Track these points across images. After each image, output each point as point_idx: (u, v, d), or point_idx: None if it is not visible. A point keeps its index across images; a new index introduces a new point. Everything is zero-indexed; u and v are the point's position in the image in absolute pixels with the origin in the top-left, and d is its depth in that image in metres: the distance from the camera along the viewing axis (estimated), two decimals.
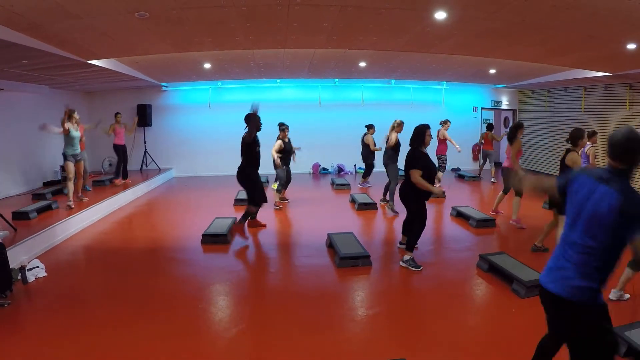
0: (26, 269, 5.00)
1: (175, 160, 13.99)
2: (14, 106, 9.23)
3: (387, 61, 9.66)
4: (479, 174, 13.05)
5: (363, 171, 12.18)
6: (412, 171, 5.30)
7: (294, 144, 9.00)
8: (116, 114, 10.89)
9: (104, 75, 9.38)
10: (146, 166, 13.38)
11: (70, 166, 7.91)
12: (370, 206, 8.74)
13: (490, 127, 12.36)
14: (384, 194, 9.15)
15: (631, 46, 6.56)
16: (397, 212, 8.19)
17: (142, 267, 5.63)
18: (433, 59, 9.10)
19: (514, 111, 15.31)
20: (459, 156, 12.47)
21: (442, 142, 10.73)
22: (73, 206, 7.75)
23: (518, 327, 3.89)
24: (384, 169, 8.93)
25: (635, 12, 4.90)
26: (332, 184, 11.71)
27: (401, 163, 6.34)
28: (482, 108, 15.16)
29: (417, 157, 5.41)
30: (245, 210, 6.75)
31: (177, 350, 3.53)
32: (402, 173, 6.09)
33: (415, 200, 5.47)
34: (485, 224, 7.27)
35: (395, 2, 5.05)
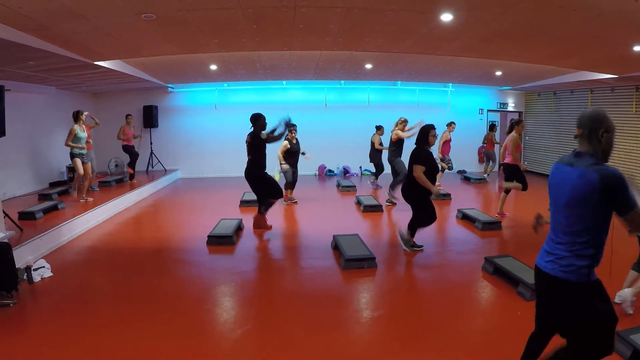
0: (32, 268, 5.02)
1: (181, 162, 14.03)
2: (21, 107, 9.28)
3: (393, 63, 9.65)
4: (487, 175, 12.99)
5: (369, 173, 12.18)
6: (416, 166, 5.56)
7: (301, 147, 9.03)
8: (127, 116, 10.95)
9: (111, 76, 9.43)
10: (152, 167, 13.43)
11: (79, 162, 8.09)
12: (375, 208, 8.72)
13: (492, 127, 12.36)
14: (390, 194, 9.25)
15: (637, 48, 6.52)
16: (395, 202, 8.74)
17: (147, 268, 5.64)
18: (439, 60, 9.08)
19: (520, 113, 15.24)
20: (465, 158, 12.45)
21: (446, 143, 10.79)
22: (90, 199, 8.14)
23: (523, 330, 3.86)
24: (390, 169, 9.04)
25: None
26: (338, 185, 11.71)
27: (406, 161, 6.41)
28: (488, 110, 15.11)
29: (421, 154, 5.69)
30: (266, 202, 7.04)
31: (182, 351, 3.53)
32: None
33: (419, 197, 5.75)
34: (490, 227, 7.24)
35: (402, 4, 5.04)
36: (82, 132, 8.19)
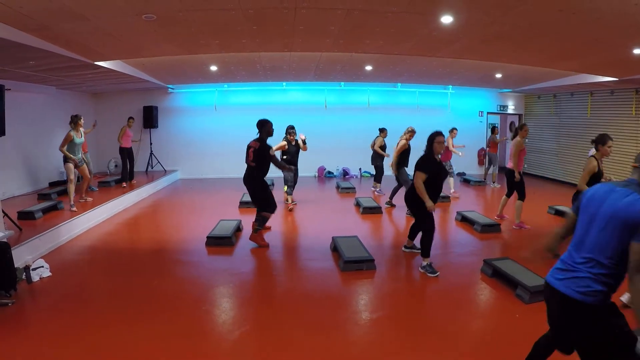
0: (31, 268, 5.02)
1: (180, 162, 14.03)
2: (21, 106, 9.29)
3: (393, 65, 9.65)
4: (484, 178, 12.96)
5: (369, 175, 12.14)
6: (417, 172, 5.29)
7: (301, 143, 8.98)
8: (129, 118, 10.91)
9: (111, 76, 9.43)
10: (152, 168, 13.44)
11: (71, 167, 7.89)
12: (375, 210, 8.72)
13: (493, 130, 12.34)
14: (391, 197, 9.24)
15: (637, 51, 6.53)
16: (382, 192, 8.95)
17: (146, 268, 5.64)
18: (439, 63, 9.08)
19: (520, 116, 15.27)
20: (465, 161, 12.44)
21: (446, 149, 10.70)
22: (75, 209, 7.68)
23: (522, 332, 3.87)
24: (392, 173, 8.95)
25: None
26: (337, 187, 11.71)
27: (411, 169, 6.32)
28: (488, 112, 15.13)
29: (426, 160, 5.36)
30: (260, 216, 6.47)
31: (181, 351, 3.52)
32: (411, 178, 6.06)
33: (418, 207, 5.41)
34: (490, 229, 7.24)
35: (402, 6, 5.04)
36: (79, 137, 8.03)
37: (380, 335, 3.87)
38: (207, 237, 6.58)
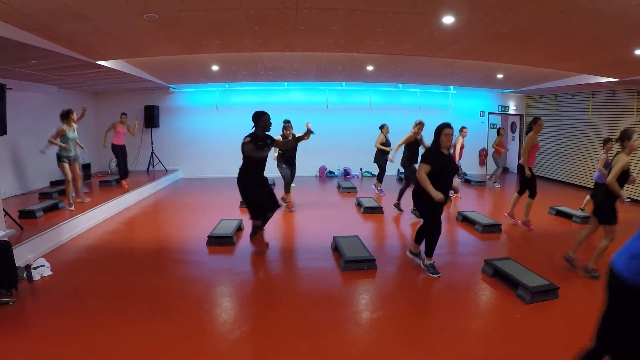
0: (32, 267, 5.02)
1: (182, 162, 14.05)
2: (22, 105, 9.30)
3: (394, 65, 9.65)
4: (495, 182, 12.50)
5: (370, 174, 12.06)
6: (421, 164, 5.05)
7: (302, 146, 8.76)
8: (121, 115, 10.68)
9: (112, 76, 9.44)
10: (153, 167, 13.45)
11: (66, 167, 7.79)
12: (376, 210, 8.72)
13: (498, 132, 12.25)
14: (398, 198, 8.85)
15: (639, 52, 6.52)
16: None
17: (147, 268, 5.65)
18: (440, 63, 9.08)
19: (521, 116, 15.26)
20: (466, 161, 12.40)
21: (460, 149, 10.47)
22: (73, 209, 7.63)
23: (522, 332, 3.87)
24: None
25: None
26: (339, 187, 11.71)
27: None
28: (489, 113, 15.12)
29: (432, 153, 5.14)
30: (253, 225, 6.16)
31: (181, 351, 3.53)
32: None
33: (425, 202, 5.13)
34: (491, 229, 7.24)
35: (404, 6, 5.05)
36: (71, 132, 7.92)
37: (380, 336, 3.86)
38: (208, 237, 6.58)
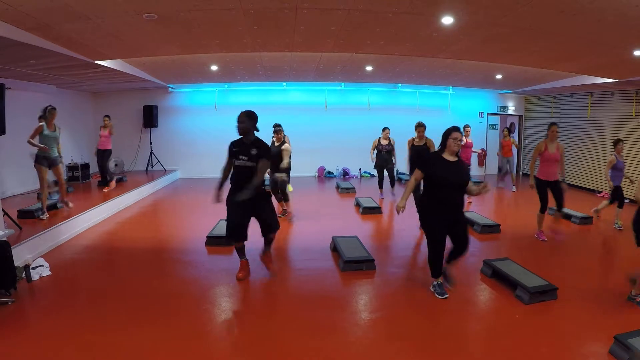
0: (30, 267, 5.02)
1: (180, 162, 14.04)
2: (21, 105, 9.27)
3: (393, 65, 9.66)
4: (514, 184, 12.07)
5: (369, 175, 12.00)
6: (415, 169, 4.66)
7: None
8: (104, 117, 10.38)
9: (111, 75, 9.44)
10: (152, 167, 13.45)
11: (43, 170, 7.06)
12: (375, 210, 8.73)
13: (508, 131, 11.85)
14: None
15: (638, 53, 6.53)
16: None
17: (146, 268, 5.65)
18: (439, 63, 9.09)
19: (520, 117, 15.28)
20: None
21: (467, 149, 10.07)
22: (47, 216, 7.09)
23: (521, 333, 3.87)
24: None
25: None
26: (337, 187, 11.71)
27: None
28: (488, 113, 15.14)
29: (430, 158, 4.82)
30: None
31: (180, 351, 3.52)
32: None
33: (422, 214, 4.71)
34: (489, 230, 7.25)
35: (403, 7, 5.05)
36: (51, 130, 7.22)
37: (379, 336, 3.86)
38: (207, 237, 6.58)
